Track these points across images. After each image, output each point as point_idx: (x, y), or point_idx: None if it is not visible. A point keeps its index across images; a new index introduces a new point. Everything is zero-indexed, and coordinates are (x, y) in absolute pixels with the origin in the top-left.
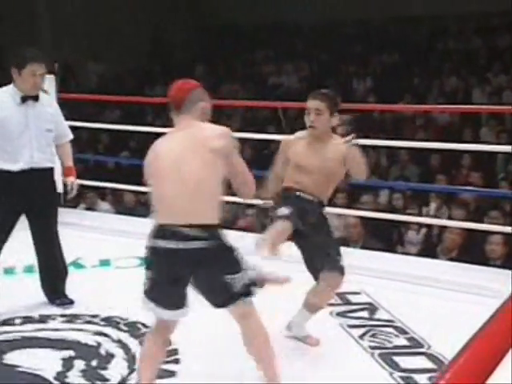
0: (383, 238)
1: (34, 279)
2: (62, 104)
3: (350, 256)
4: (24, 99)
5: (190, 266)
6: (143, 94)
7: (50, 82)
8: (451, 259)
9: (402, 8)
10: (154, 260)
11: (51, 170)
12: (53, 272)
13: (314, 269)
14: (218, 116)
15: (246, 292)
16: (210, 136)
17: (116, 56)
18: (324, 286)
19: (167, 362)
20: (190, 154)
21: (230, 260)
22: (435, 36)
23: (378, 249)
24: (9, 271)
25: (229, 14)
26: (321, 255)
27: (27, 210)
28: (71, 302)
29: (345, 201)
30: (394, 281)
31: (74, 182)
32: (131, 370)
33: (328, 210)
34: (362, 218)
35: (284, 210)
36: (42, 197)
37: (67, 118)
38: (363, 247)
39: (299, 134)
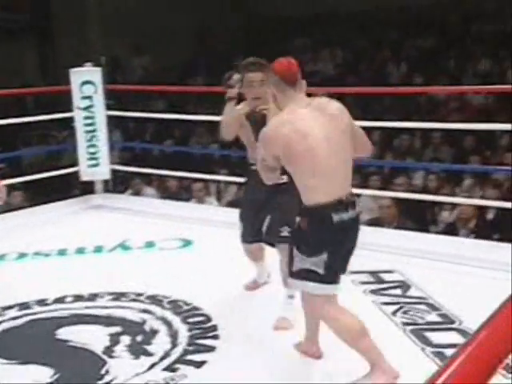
0: (417, 218)
1: (79, 260)
2: (110, 95)
3: (384, 236)
4: None
5: (356, 234)
6: (186, 84)
7: (96, 74)
8: (473, 232)
9: None
10: (333, 236)
11: None
12: None
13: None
14: None
15: None
16: (339, 109)
17: (160, 49)
18: None
19: (206, 338)
20: (333, 128)
21: None
22: (470, 19)
23: (411, 229)
24: (61, 252)
25: (269, 7)
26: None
27: None
28: None
29: (379, 182)
30: (426, 259)
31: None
32: (173, 345)
33: (363, 191)
34: (396, 199)
35: None
36: None
37: (115, 108)
38: (397, 227)
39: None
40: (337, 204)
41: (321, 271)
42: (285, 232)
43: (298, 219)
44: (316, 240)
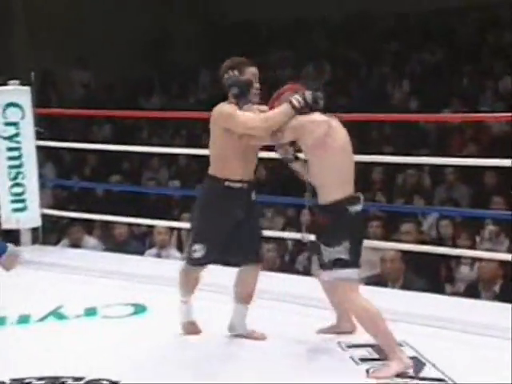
0: (429, 275)
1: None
2: (41, 120)
3: (389, 298)
4: None
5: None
6: (138, 106)
7: (24, 95)
8: (496, 297)
9: None
10: (352, 227)
11: None
12: None
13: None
14: None
15: None
16: None
17: (106, 62)
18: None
19: None
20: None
21: None
22: (485, 28)
23: (422, 289)
24: None
25: (239, 10)
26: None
27: None
28: None
29: (381, 230)
30: (443, 329)
31: None
32: None
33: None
34: (402, 251)
35: None
36: None
37: (47, 137)
38: (404, 287)
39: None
40: (350, 198)
41: (347, 257)
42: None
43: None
44: (337, 232)
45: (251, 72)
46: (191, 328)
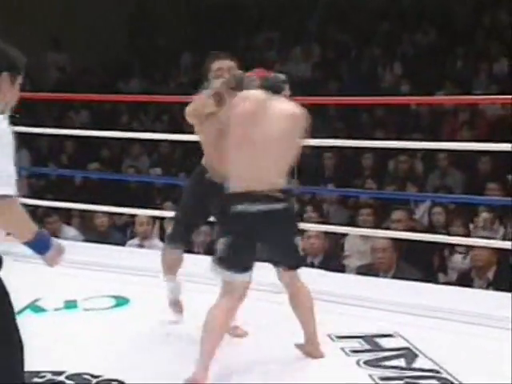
0: (421, 264)
1: None
2: (16, 105)
3: (380, 288)
4: None
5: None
6: (116, 90)
7: None
8: (491, 284)
9: None
10: (234, 226)
11: None
12: None
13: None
14: None
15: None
16: None
17: (83, 44)
18: None
19: None
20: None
21: None
22: (482, 9)
23: (414, 278)
24: None
25: None
26: None
27: None
28: None
29: (371, 218)
30: (436, 319)
31: None
32: None
33: (351, 230)
34: (393, 239)
35: None
36: None
37: (22, 123)
38: (396, 277)
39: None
40: (237, 196)
41: (223, 255)
42: None
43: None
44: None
45: (216, 65)
46: (174, 307)
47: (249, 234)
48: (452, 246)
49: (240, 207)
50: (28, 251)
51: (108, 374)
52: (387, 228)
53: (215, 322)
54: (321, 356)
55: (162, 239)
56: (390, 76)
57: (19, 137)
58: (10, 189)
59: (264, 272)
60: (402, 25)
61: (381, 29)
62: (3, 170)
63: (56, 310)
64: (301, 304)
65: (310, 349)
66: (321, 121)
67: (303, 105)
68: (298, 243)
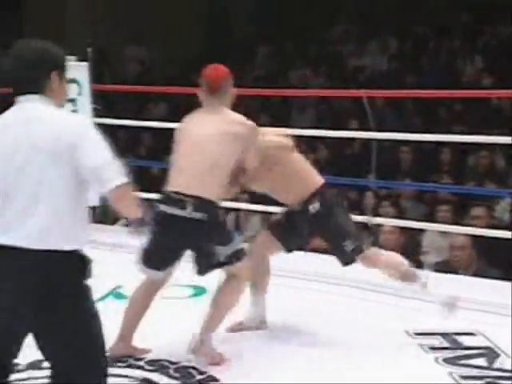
0: (502, 262)
1: None
2: (96, 97)
3: (459, 286)
4: None
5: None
6: (193, 83)
7: (82, 71)
8: None
9: None
10: (156, 225)
11: None
12: None
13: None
14: (286, 109)
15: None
16: (234, 121)
17: (162, 38)
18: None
19: None
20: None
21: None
22: None
23: (494, 277)
24: None
25: None
26: None
27: None
28: None
29: (450, 214)
30: None
31: None
32: None
33: (430, 226)
34: (473, 236)
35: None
36: None
37: (103, 115)
38: (476, 275)
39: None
40: (162, 196)
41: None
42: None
43: None
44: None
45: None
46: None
47: (162, 235)
48: None
49: (161, 207)
50: (111, 240)
51: (184, 361)
52: (467, 225)
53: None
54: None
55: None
56: (470, 69)
57: (100, 128)
58: (124, 177)
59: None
60: (483, 16)
61: (461, 20)
62: (112, 162)
63: None
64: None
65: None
66: (398, 115)
67: (381, 98)
68: (216, 251)
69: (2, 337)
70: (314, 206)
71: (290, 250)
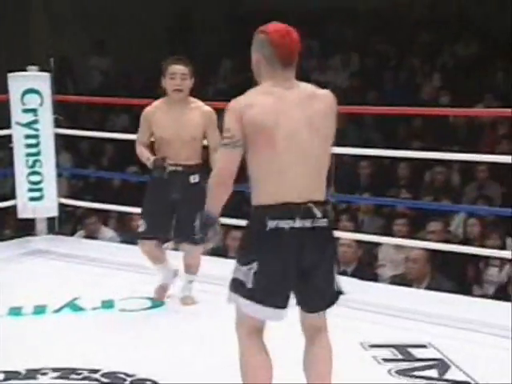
0: (455, 276)
1: (14, 325)
2: (58, 107)
3: (413, 299)
4: None
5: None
6: (156, 94)
7: (44, 81)
8: None
9: None
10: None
11: None
12: None
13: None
14: None
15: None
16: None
17: (125, 49)
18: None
19: None
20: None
21: None
22: None
23: (448, 290)
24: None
25: None
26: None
27: None
28: None
29: (406, 228)
30: (469, 331)
31: None
32: None
33: (386, 240)
34: (427, 250)
35: None
36: None
37: (65, 125)
38: (429, 288)
39: (157, 103)
40: (279, 208)
41: (249, 285)
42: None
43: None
44: (249, 247)
45: (170, 70)
46: (158, 291)
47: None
48: (487, 258)
49: (271, 223)
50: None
51: (141, 374)
52: (421, 239)
53: (243, 367)
54: None
55: None
56: (429, 87)
57: (62, 139)
58: None
59: None
60: (442, 36)
61: (421, 39)
62: None
63: (93, 309)
64: (315, 364)
65: None
66: (357, 130)
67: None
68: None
69: None
70: None
71: None
